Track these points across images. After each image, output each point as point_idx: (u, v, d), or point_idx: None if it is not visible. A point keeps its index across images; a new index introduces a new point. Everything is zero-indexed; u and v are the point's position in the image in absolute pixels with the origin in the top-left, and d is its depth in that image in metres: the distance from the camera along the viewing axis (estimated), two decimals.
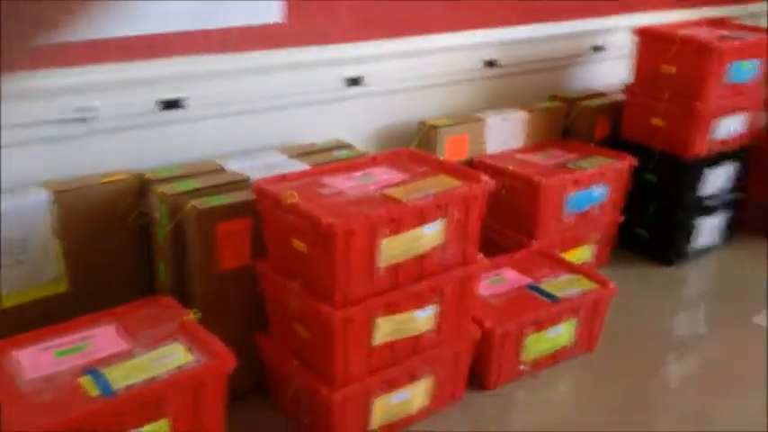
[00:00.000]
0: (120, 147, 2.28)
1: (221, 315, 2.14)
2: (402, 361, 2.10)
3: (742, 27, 3.31)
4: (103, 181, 2.16)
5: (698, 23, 3.36)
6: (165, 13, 2.24)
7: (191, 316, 1.90)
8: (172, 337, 1.84)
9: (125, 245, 2.23)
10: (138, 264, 2.27)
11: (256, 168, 2.29)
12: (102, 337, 1.84)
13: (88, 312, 1.94)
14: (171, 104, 2.33)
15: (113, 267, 2.21)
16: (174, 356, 1.76)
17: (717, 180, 3.22)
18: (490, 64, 3.12)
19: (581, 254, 3.05)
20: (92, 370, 1.70)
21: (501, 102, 3.19)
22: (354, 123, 2.80)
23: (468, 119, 2.97)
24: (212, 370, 1.73)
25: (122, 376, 1.68)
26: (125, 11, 2.16)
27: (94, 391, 1.63)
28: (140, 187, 2.21)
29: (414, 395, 2.19)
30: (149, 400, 1.65)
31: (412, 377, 2.16)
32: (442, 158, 2.60)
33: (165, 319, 1.92)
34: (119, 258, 2.22)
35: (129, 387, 1.64)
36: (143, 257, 2.28)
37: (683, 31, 3.05)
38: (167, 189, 2.11)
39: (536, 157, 3.02)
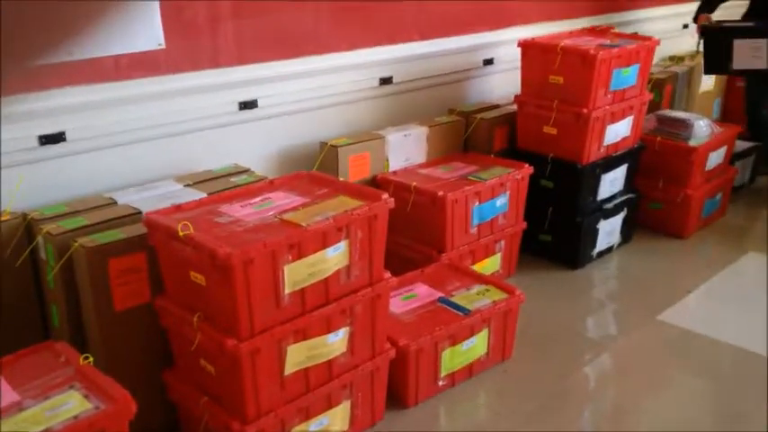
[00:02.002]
0: (2, 186, 2.15)
1: (123, 356, 2.04)
2: (317, 387, 2.06)
3: (621, 35, 3.47)
4: None
5: (580, 33, 3.49)
6: (39, 45, 2.13)
7: (85, 361, 1.79)
8: (67, 385, 1.72)
9: (15, 289, 2.10)
10: (30, 309, 2.14)
11: (150, 200, 2.21)
12: None
13: None
14: (52, 138, 2.22)
15: (3, 315, 2.07)
16: (70, 405, 1.65)
17: (611, 183, 3.35)
18: (386, 81, 3.14)
19: (490, 264, 3.09)
20: None
21: (400, 118, 3.22)
22: (253, 147, 2.76)
23: (368, 136, 2.98)
24: (112, 416, 1.63)
25: (13, 431, 1.56)
26: None
27: None
28: (27, 228, 2.09)
29: (332, 421, 2.14)
30: None
31: (329, 403, 2.12)
32: (341, 179, 2.58)
33: (59, 365, 1.80)
34: (9, 304, 2.08)
35: None
36: (35, 302, 2.15)
37: (564, 42, 3.17)
38: (53, 228, 2.00)
39: (438, 171, 3.05)
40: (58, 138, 2.23)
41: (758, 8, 3.97)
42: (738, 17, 4.03)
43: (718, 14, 3.93)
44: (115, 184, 2.37)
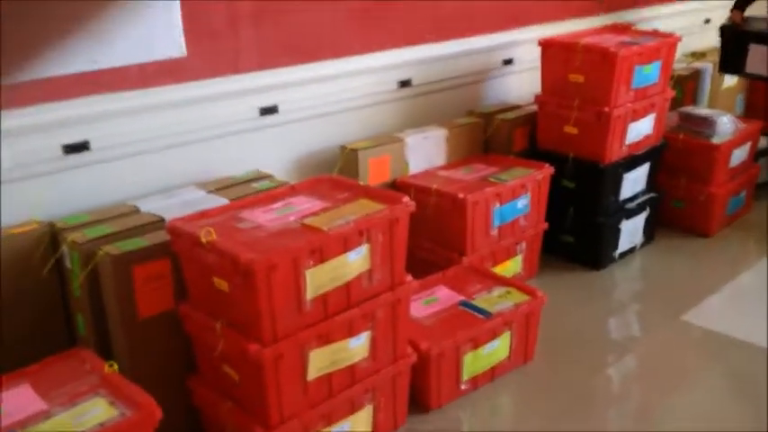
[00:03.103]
0: (26, 196, 2.18)
1: (147, 363, 2.06)
2: (340, 392, 2.06)
3: (642, 32, 3.43)
4: (12, 232, 2.06)
5: (600, 31, 3.46)
6: (62, 54, 2.15)
7: (110, 368, 1.81)
8: (93, 392, 1.75)
9: (41, 298, 2.12)
10: (56, 317, 2.17)
11: (173, 207, 2.22)
12: (17, 398, 1.74)
13: (6, 372, 1.83)
14: (77, 148, 2.24)
15: (30, 323, 2.10)
16: (96, 412, 1.67)
17: (633, 182, 3.32)
18: (405, 84, 3.14)
19: (511, 266, 3.08)
20: None
21: (419, 120, 3.21)
22: (274, 153, 2.77)
23: (388, 140, 2.98)
24: (137, 423, 1.65)
25: None
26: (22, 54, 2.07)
27: None
28: (52, 237, 2.12)
29: (355, 426, 2.15)
30: None
31: (351, 408, 2.12)
32: (362, 183, 2.58)
33: (84, 373, 1.83)
34: (35, 313, 2.11)
35: None
36: (61, 310, 2.17)
37: (585, 40, 3.14)
38: (78, 237, 2.02)
39: (459, 173, 3.04)
40: (81, 147, 2.25)
41: None
42: None
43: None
44: (138, 192, 2.39)
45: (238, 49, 2.58)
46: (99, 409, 1.68)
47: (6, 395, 1.75)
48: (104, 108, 2.29)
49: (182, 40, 2.41)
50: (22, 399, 1.73)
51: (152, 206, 2.26)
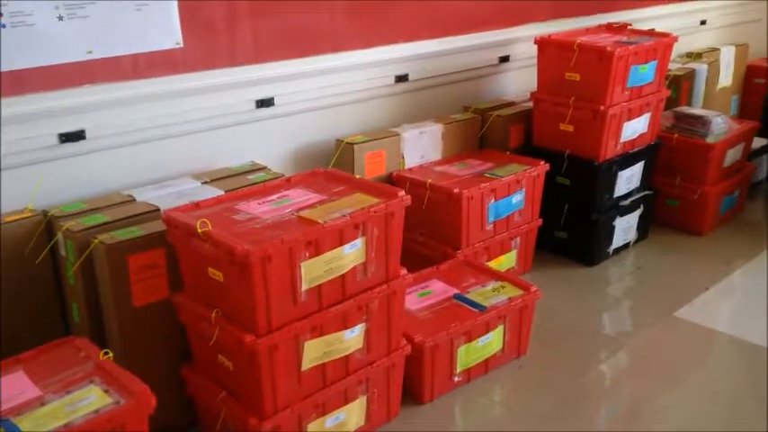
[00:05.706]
0: (21, 184, 2.18)
1: (142, 352, 2.06)
2: (334, 383, 2.07)
3: (638, 32, 3.45)
4: (6, 220, 2.06)
5: (597, 30, 3.48)
6: (60, 43, 2.15)
7: (105, 356, 1.81)
8: (87, 380, 1.75)
9: (35, 286, 2.13)
10: (51, 305, 2.17)
11: (168, 197, 2.23)
12: (11, 385, 1.73)
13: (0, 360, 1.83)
14: (72, 137, 2.24)
15: (25, 311, 2.10)
16: (90, 400, 1.67)
17: (628, 180, 3.33)
18: (401, 78, 3.15)
19: (506, 261, 3.09)
20: (3, 421, 1.60)
21: (415, 115, 3.22)
22: (270, 145, 2.77)
23: (384, 134, 2.98)
24: (132, 411, 1.65)
25: (35, 425, 1.59)
26: (18, 42, 2.07)
27: None
28: (47, 225, 2.12)
29: (348, 416, 2.16)
30: None
31: (345, 398, 2.13)
32: (358, 176, 2.59)
33: (79, 361, 1.82)
34: (30, 301, 2.12)
35: None
36: (56, 298, 2.17)
37: (581, 39, 3.16)
38: (73, 225, 2.02)
39: (454, 169, 3.05)
40: (77, 136, 2.25)
41: None
42: None
43: None
44: (134, 182, 2.39)
45: (235, 42, 2.58)
46: (93, 396, 1.68)
47: (3, 381, 1.74)
48: (101, 98, 2.29)
49: (179, 31, 2.41)
50: (16, 385, 1.73)
51: (147, 196, 2.27)
